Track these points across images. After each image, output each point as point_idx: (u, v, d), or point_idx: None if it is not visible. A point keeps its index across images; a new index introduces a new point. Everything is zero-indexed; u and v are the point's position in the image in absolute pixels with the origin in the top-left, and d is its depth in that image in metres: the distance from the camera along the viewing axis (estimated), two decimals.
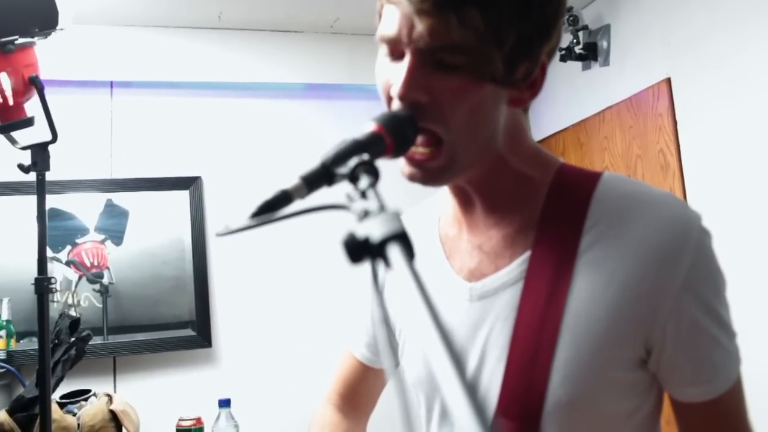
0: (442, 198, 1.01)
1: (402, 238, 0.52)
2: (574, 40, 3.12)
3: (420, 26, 0.74)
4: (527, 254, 0.85)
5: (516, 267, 0.86)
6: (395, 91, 0.78)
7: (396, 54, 0.81)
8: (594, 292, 0.80)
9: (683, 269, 0.78)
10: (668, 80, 2.77)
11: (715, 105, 2.57)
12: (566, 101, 3.41)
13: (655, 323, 0.79)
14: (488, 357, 0.85)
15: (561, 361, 0.80)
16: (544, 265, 0.84)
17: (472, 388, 0.39)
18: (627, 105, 3.00)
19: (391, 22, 0.78)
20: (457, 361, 0.41)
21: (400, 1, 0.76)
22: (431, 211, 1.03)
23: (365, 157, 0.68)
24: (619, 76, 3.04)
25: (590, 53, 3.13)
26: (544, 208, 0.87)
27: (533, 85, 0.83)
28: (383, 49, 0.82)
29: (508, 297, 0.85)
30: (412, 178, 0.83)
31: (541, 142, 3.57)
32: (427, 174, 0.82)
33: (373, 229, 0.53)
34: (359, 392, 1.18)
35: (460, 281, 0.91)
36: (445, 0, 0.72)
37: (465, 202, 0.93)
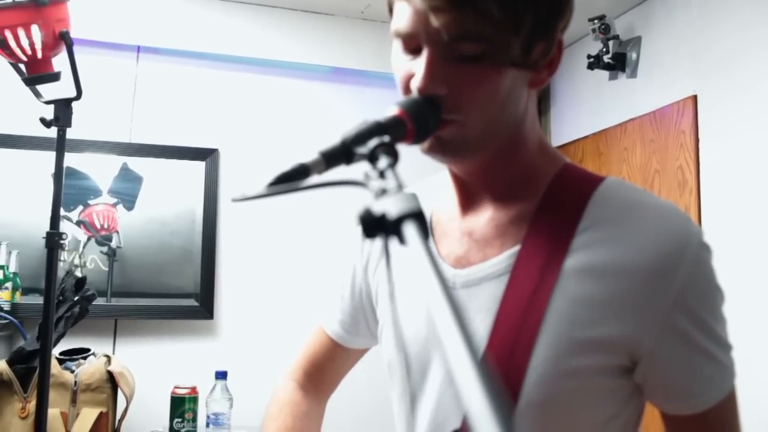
0: (440, 181, 1.00)
1: (418, 216, 0.52)
2: (604, 49, 3.10)
3: (436, 22, 0.74)
4: (517, 248, 0.84)
5: (504, 259, 0.85)
6: (415, 85, 0.78)
7: (411, 47, 0.81)
8: (579, 295, 0.79)
9: (677, 285, 0.77)
10: (694, 98, 2.75)
11: (740, 127, 2.55)
12: (589, 109, 3.39)
13: (644, 336, 0.78)
14: None
15: (538, 360, 0.79)
16: (533, 260, 0.82)
17: (479, 358, 0.39)
18: (650, 118, 2.98)
19: (404, 16, 0.78)
20: (469, 339, 0.41)
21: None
22: (427, 193, 1.02)
23: (386, 139, 0.69)
24: (645, 89, 3.02)
25: (618, 63, 3.11)
26: (541, 202, 0.86)
27: (551, 63, 0.83)
28: (398, 43, 0.82)
29: (493, 289, 0.84)
30: (430, 149, 0.82)
31: (560, 148, 3.55)
32: (441, 145, 0.82)
33: (390, 206, 0.53)
34: (325, 370, 1.16)
35: (445, 267, 0.90)
36: None
37: (464, 188, 0.92)
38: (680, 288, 0.77)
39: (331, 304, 1.15)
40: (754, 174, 2.47)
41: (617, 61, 3.10)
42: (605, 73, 3.21)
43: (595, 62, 3.11)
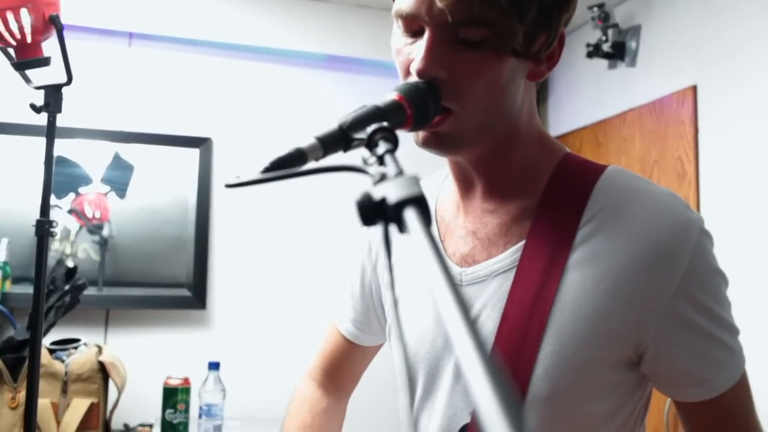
0: (443, 179, 1.00)
1: (420, 202, 0.49)
2: (603, 37, 3.06)
3: (440, 4, 0.73)
4: (521, 243, 0.84)
5: (509, 255, 0.85)
6: (414, 67, 0.77)
7: (413, 29, 0.80)
8: (584, 288, 0.79)
9: (679, 273, 0.77)
10: (694, 88, 2.72)
11: (740, 118, 2.52)
12: (588, 99, 3.36)
13: (648, 327, 0.78)
14: None
15: (546, 354, 0.79)
16: (538, 255, 0.82)
17: (487, 352, 0.37)
18: (649, 109, 2.95)
19: None
20: (475, 332, 0.38)
21: None
22: (430, 191, 1.01)
23: (384, 124, 0.67)
24: (645, 79, 2.99)
25: (618, 52, 3.07)
26: (543, 197, 0.86)
27: (551, 56, 0.83)
28: (399, 24, 0.81)
29: (499, 285, 0.84)
30: (426, 142, 0.82)
31: (558, 138, 3.52)
32: (437, 138, 0.82)
33: (390, 191, 0.50)
34: (343, 369, 1.16)
35: (451, 265, 0.90)
36: None
37: (466, 185, 0.91)
38: (682, 276, 0.77)
39: (343, 303, 1.15)
40: (753, 165, 2.45)
41: (616, 50, 3.07)
42: (604, 62, 3.17)
43: (594, 51, 3.07)
